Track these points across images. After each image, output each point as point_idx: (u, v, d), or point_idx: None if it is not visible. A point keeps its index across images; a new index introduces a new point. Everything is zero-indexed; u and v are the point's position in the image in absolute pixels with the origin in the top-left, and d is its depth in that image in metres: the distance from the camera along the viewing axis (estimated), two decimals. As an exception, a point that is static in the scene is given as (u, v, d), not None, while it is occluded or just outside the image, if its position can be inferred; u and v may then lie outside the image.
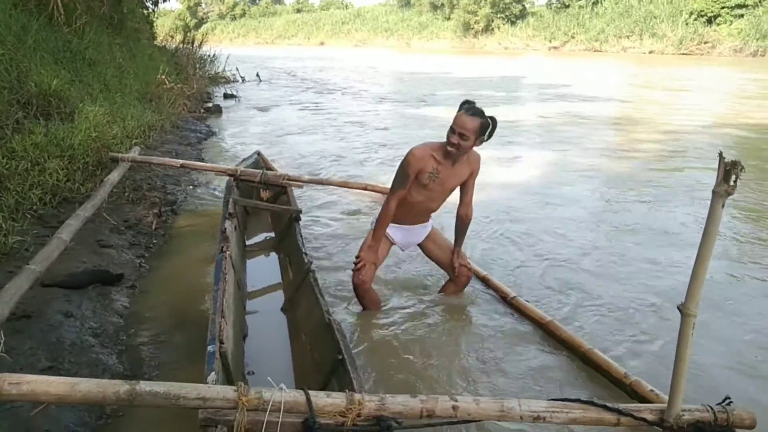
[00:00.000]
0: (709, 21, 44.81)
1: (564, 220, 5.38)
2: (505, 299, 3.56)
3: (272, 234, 4.88)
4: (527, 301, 3.50)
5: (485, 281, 3.78)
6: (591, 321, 3.41)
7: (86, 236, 4.14)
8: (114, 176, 4.96)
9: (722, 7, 44.04)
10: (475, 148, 3.17)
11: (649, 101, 15.85)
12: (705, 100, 16.27)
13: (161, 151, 7.40)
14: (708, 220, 1.95)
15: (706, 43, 44.45)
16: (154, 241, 4.60)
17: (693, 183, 6.81)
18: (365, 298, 3.40)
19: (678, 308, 2.02)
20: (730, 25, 43.60)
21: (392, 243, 3.45)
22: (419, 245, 3.52)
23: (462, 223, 3.45)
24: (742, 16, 43.20)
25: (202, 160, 7.56)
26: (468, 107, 3.06)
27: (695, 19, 45.37)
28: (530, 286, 3.90)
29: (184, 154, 7.67)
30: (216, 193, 6.02)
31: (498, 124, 3.12)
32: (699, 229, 1.96)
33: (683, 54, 43.54)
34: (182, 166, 5.38)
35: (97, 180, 5.10)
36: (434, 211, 3.43)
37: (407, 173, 3.16)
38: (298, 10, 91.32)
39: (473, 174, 3.30)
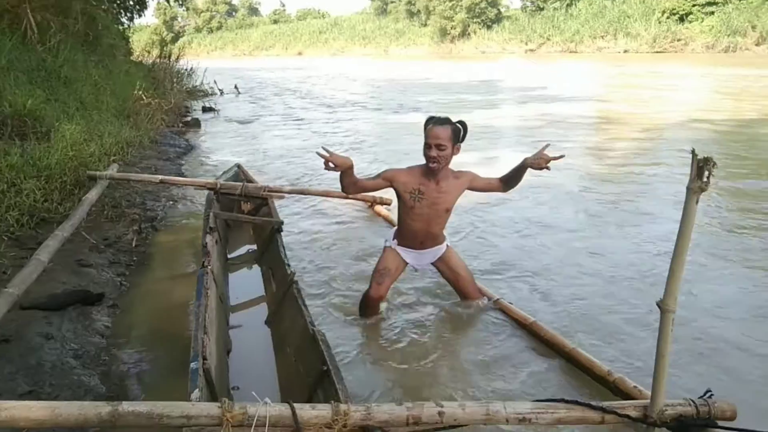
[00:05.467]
0: (681, 19, 45.57)
1: (544, 219, 5.43)
2: (489, 301, 3.57)
3: (254, 246, 4.85)
4: (510, 303, 3.51)
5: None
6: (574, 319, 3.43)
7: (65, 256, 4.10)
8: (92, 195, 4.92)
9: (693, 5, 44.82)
10: (463, 169, 3.26)
11: (625, 99, 16.06)
12: (679, 96, 16.52)
13: (140, 168, 7.34)
14: (683, 216, 1.96)
15: (679, 40, 45.19)
16: (135, 259, 4.55)
17: (670, 178, 6.90)
18: (373, 310, 3.43)
19: (657, 305, 2.03)
20: (702, 22, 44.37)
21: (405, 263, 3.44)
22: (433, 264, 3.50)
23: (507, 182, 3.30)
24: (712, 13, 44.00)
25: (182, 175, 7.52)
26: (435, 120, 3.12)
27: (668, 18, 46.12)
28: (513, 285, 3.92)
29: (163, 169, 7.62)
30: (196, 207, 5.98)
31: (468, 127, 3.17)
32: (677, 224, 1.98)
33: (657, 52, 44.19)
34: (161, 181, 5.35)
35: (76, 199, 5.05)
36: (438, 234, 3.37)
37: (380, 176, 3.23)
38: (275, 21, 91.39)
39: (473, 181, 3.27)
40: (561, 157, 3.12)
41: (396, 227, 3.50)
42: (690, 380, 2.72)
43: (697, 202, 1.97)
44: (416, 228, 3.28)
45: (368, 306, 3.43)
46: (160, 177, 5.47)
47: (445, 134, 3.05)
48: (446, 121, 3.11)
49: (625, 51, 46.68)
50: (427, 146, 3.08)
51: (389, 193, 5.71)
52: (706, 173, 1.94)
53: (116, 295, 3.86)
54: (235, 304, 3.76)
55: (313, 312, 3.21)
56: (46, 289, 3.55)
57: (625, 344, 3.14)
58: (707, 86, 19.48)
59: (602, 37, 49.78)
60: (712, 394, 2.17)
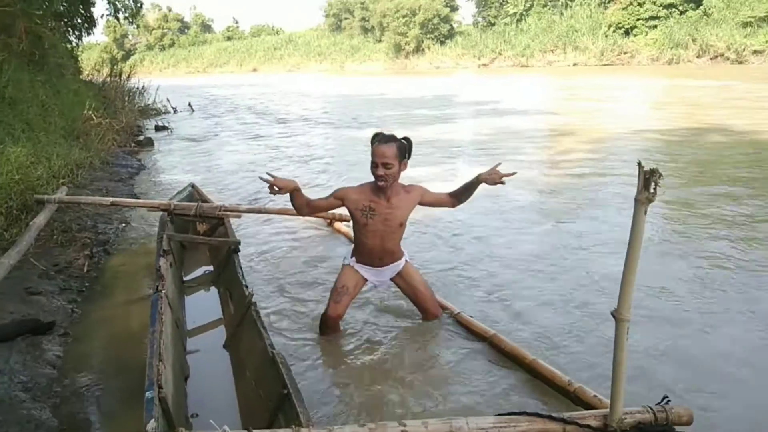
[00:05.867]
0: (627, 32, 47.23)
1: (503, 231, 5.50)
2: (450, 315, 3.58)
3: (211, 268, 4.76)
4: (471, 316, 3.53)
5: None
6: (534, 330, 3.46)
7: (12, 285, 3.95)
8: (40, 219, 4.76)
9: (637, 19, 46.53)
10: (415, 184, 3.29)
11: (576, 111, 16.49)
12: (626, 107, 17.08)
13: (91, 189, 7.16)
14: (632, 227, 2.02)
15: (625, 53, 46.78)
16: (87, 284, 4.41)
17: (621, 187, 7.09)
18: (333, 330, 3.41)
19: (611, 314, 2.08)
20: (646, 35, 46.10)
21: (365, 279, 3.42)
22: (392, 279, 3.48)
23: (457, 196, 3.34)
24: (656, 26, 45.74)
25: (135, 196, 7.35)
26: (380, 137, 3.13)
27: (614, 31, 47.72)
28: (474, 298, 3.96)
29: (115, 190, 7.45)
30: (151, 228, 5.84)
31: (413, 143, 3.19)
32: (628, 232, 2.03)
33: (605, 65, 45.62)
34: (113, 204, 5.21)
35: (23, 224, 4.87)
36: (395, 249, 3.36)
37: (332, 195, 3.27)
38: (229, 38, 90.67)
39: (423, 196, 3.30)
40: (513, 174, 3.20)
41: (353, 245, 3.49)
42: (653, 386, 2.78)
43: (645, 212, 2.03)
44: (371, 245, 3.28)
45: (327, 325, 3.40)
46: (111, 199, 5.33)
47: (390, 152, 3.06)
48: (391, 138, 3.12)
49: (575, 64, 48.01)
50: (374, 165, 3.10)
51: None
52: (653, 184, 2.01)
53: (68, 323, 3.73)
54: (192, 328, 3.67)
55: (273, 333, 3.17)
56: (-8, 319, 3.41)
57: (586, 352, 3.19)
58: (650, 97, 20.23)
59: (552, 51, 51.11)
60: (669, 400, 2.22)
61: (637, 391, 2.63)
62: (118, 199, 5.53)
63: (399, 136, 3.17)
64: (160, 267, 3.49)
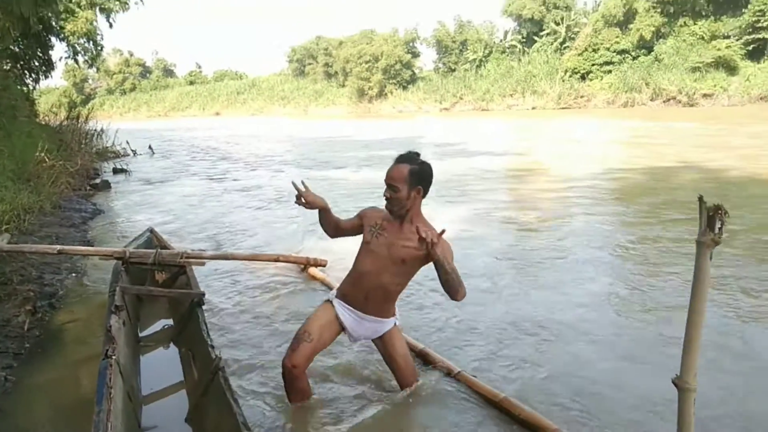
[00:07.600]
0: (583, 77, 48.78)
1: (481, 275, 5.13)
2: (449, 374, 3.15)
3: (172, 322, 4.23)
4: (474, 376, 3.10)
5: (423, 356, 3.35)
6: (549, 393, 3.06)
7: (-66, 350, 3.38)
8: (-27, 271, 4.19)
9: (593, 65, 48.16)
10: (446, 241, 2.64)
11: (540, 152, 16.61)
12: (587, 148, 17.28)
13: (39, 236, 6.56)
14: (696, 275, 1.66)
15: (582, 97, 48.22)
16: (27, 345, 3.83)
17: (596, 226, 6.87)
18: (294, 386, 2.83)
19: (673, 383, 1.70)
20: (602, 80, 47.66)
21: (341, 327, 2.91)
22: (373, 341, 3.00)
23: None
24: (610, 71, 47.35)
25: (88, 243, 6.78)
26: (399, 156, 2.75)
27: (570, 76, 49.24)
28: (473, 355, 3.53)
29: (66, 237, 6.85)
30: (107, 277, 5.28)
31: (430, 172, 2.73)
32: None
33: (563, 108, 46.89)
34: (60, 252, 4.66)
35: (-47, 277, 4.30)
36: (387, 296, 2.84)
37: (357, 215, 2.96)
38: (191, 82, 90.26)
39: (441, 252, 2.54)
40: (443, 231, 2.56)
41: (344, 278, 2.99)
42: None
43: (711, 257, 1.67)
44: (365, 269, 2.81)
45: (285, 380, 2.84)
46: (59, 247, 4.77)
47: (399, 174, 2.67)
48: (406, 159, 2.71)
49: (533, 108, 49.21)
50: (385, 185, 2.74)
51: (324, 254, 5.31)
52: (719, 223, 1.67)
53: (-1, 394, 3.17)
54: (148, 395, 3.13)
55: (245, 405, 2.70)
56: None
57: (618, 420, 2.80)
58: (610, 137, 20.57)
59: (511, 95, 52.41)
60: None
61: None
62: (66, 247, 4.97)
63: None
64: (110, 327, 2.98)
